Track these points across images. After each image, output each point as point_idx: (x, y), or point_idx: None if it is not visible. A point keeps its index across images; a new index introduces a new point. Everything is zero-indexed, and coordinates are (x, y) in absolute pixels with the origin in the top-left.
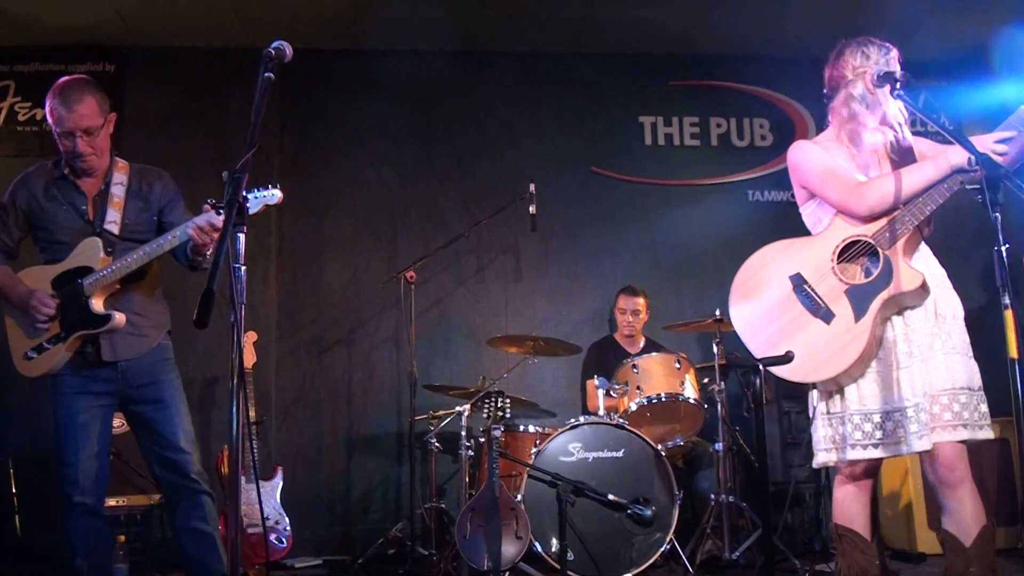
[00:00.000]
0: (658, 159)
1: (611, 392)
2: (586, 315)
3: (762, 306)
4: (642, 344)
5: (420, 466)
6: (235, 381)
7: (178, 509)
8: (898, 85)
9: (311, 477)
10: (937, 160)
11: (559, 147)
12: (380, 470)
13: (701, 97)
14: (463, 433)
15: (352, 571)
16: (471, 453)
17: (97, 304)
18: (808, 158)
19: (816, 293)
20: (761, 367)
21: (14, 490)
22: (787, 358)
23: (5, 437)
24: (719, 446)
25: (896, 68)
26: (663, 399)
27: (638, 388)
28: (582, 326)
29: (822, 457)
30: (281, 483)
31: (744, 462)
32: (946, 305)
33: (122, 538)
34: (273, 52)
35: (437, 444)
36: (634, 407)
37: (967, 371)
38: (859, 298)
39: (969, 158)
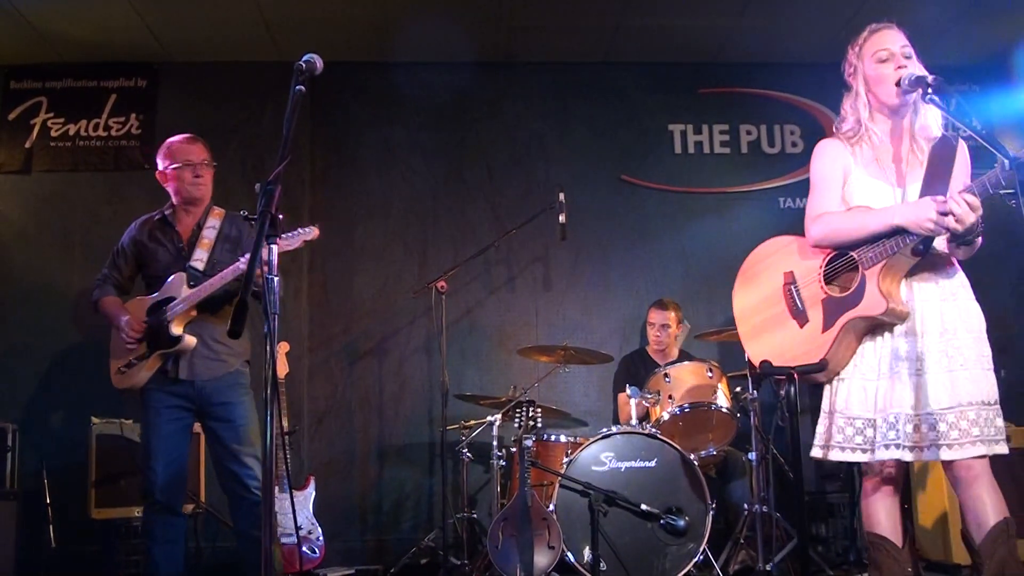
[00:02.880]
0: (688, 167)
1: (643, 401)
2: (617, 324)
3: (756, 296)
4: (675, 356)
5: (452, 476)
6: (268, 392)
7: (238, 517)
8: (929, 90)
9: (343, 487)
10: (882, 213)
11: (589, 156)
12: (412, 480)
13: (731, 104)
14: (494, 443)
15: None
16: (503, 463)
17: (175, 328)
18: (816, 162)
19: (799, 295)
20: (796, 376)
21: (48, 500)
22: (820, 366)
23: (39, 447)
24: (752, 455)
25: (888, 46)
26: (695, 408)
27: (670, 397)
28: (613, 335)
29: (814, 452)
30: (313, 493)
31: (777, 472)
32: (956, 319)
33: None
34: (304, 65)
35: (468, 454)
36: (666, 416)
37: (977, 385)
38: (831, 310)
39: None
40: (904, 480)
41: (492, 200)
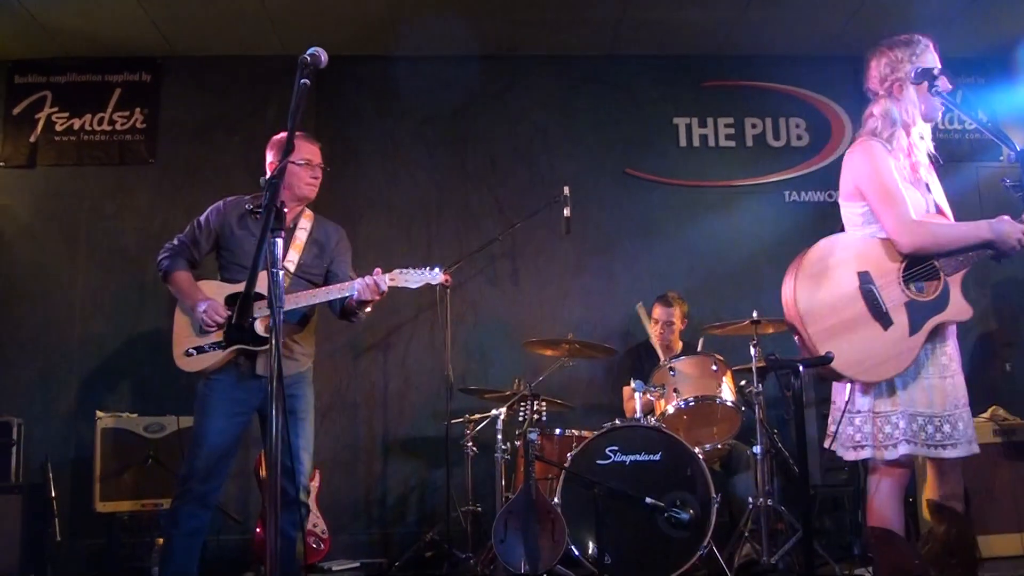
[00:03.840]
0: (693, 160)
1: (648, 395)
2: (622, 317)
3: (828, 295)
4: (679, 350)
5: (456, 469)
6: (273, 386)
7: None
8: (936, 82)
9: (348, 481)
10: (975, 228)
11: (593, 150)
12: (416, 474)
13: (736, 98)
14: (499, 436)
15: (389, 574)
16: (507, 456)
17: (260, 327)
18: (876, 166)
19: (881, 297)
20: (802, 368)
21: (53, 494)
22: (827, 359)
23: (44, 441)
24: (757, 449)
25: (931, 63)
26: (700, 402)
27: (675, 391)
28: (617, 328)
29: (864, 452)
30: (318, 486)
31: (782, 465)
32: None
33: (160, 541)
34: (309, 59)
35: (473, 447)
36: (671, 410)
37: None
38: (916, 313)
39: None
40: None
41: (496, 194)
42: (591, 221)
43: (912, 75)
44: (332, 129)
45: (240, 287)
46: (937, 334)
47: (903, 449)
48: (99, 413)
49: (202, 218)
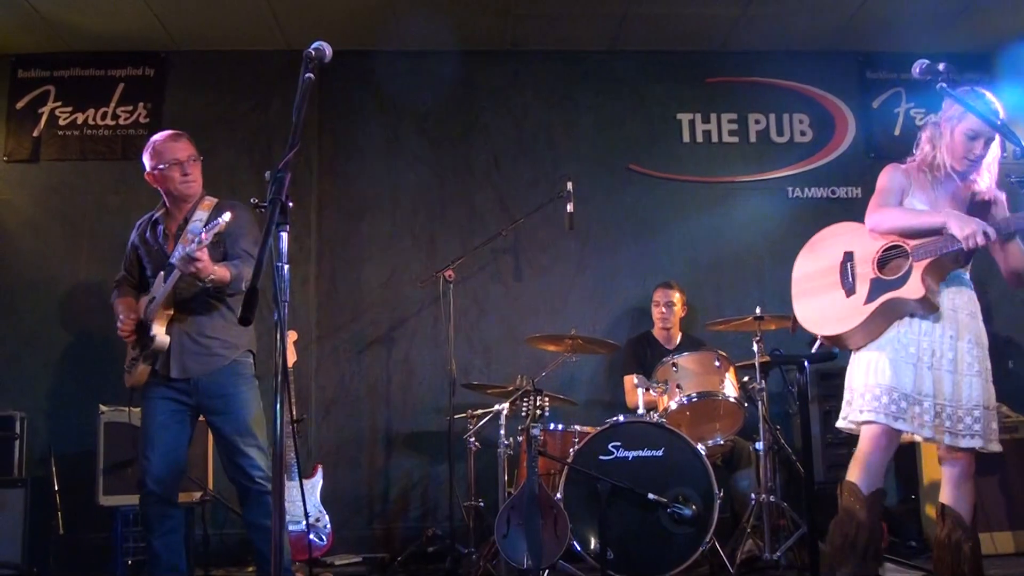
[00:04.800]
0: (696, 156)
1: (651, 390)
2: (624, 313)
3: (815, 264)
4: (679, 340)
5: (459, 464)
6: (279, 380)
7: (246, 507)
8: (940, 79)
9: (351, 475)
10: (936, 214)
11: (596, 145)
12: (419, 468)
13: (739, 94)
14: (502, 432)
15: (392, 569)
16: (510, 452)
17: (156, 328)
18: (882, 177)
19: (853, 272)
20: (807, 364)
21: (56, 487)
22: (831, 355)
23: (48, 434)
24: (760, 445)
25: (979, 128)
26: (703, 398)
27: (678, 386)
28: (620, 324)
29: (845, 422)
30: (321, 481)
31: (785, 461)
32: (980, 335)
33: None
34: (313, 53)
35: (476, 443)
36: (674, 406)
37: (988, 393)
38: (876, 289)
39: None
40: (912, 474)
41: (499, 189)
42: (594, 217)
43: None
44: (335, 125)
45: (149, 295)
46: (916, 323)
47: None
48: (102, 407)
49: (128, 245)
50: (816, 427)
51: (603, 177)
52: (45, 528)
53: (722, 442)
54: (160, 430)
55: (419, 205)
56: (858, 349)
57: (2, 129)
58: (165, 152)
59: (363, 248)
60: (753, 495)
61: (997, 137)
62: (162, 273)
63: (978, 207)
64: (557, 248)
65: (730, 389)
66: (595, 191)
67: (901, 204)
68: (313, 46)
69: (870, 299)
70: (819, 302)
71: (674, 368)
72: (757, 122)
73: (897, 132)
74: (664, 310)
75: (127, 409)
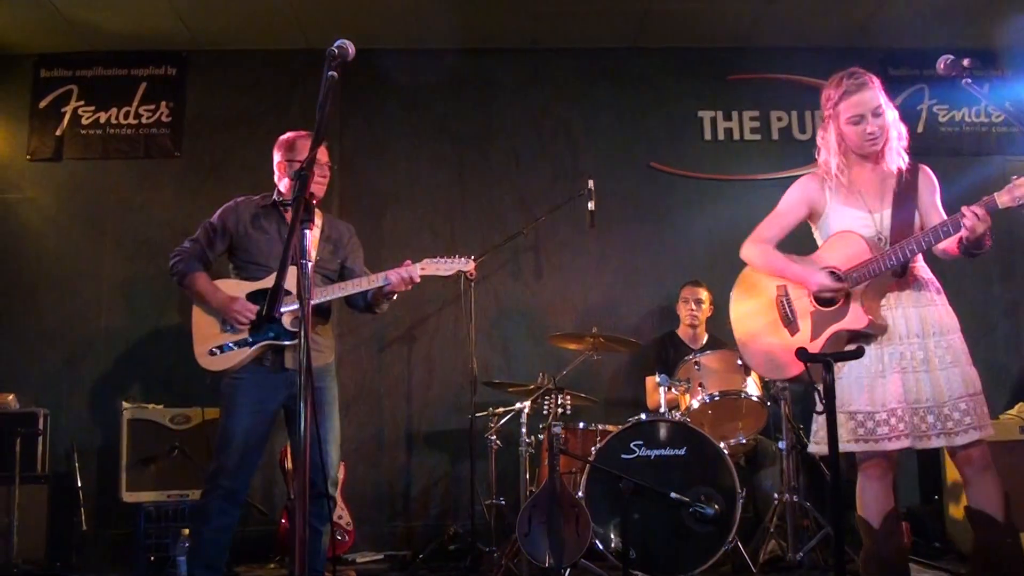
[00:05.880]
0: (718, 154)
1: (673, 389)
2: (645, 312)
3: (751, 303)
4: (705, 340)
5: (480, 463)
6: (302, 378)
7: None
8: (965, 75)
9: (372, 473)
10: (795, 269)
11: (617, 143)
12: (440, 466)
13: (761, 90)
14: (523, 430)
15: (413, 566)
16: (531, 450)
17: (287, 321)
18: (786, 194)
19: (791, 307)
20: (833, 362)
21: (79, 483)
22: (859, 353)
23: (70, 431)
24: (783, 444)
25: (861, 111)
26: (725, 396)
27: (700, 385)
28: (641, 322)
29: (812, 448)
30: (343, 478)
31: (807, 461)
32: (936, 323)
33: (186, 531)
34: (336, 51)
35: (497, 441)
36: (696, 404)
37: (964, 379)
38: (819, 323)
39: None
40: (936, 474)
41: (519, 187)
42: (615, 215)
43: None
44: (356, 123)
45: (258, 284)
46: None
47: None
48: (124, 404)
49: (215, 220)
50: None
51: (624, 175)
52: (68, 524)
53: (745, 441)
54: (247, 431)
55: (439, 203)
56: None
57: (25, 128)
58: (304, 149)
59: (383, 245)
60: (776, 495)
61: (886, 109)
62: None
63: (905, 194)
64: (578, 246)
65: (753, 388)
66: (616, 189)
67: (812, 218)
68: (336, 44)
69: (815, 335)
70: (766, 344)
71: (696, 366)
72: (779, 119)
73: (920, 129)
74: (693, 307)
75: (149, 406)
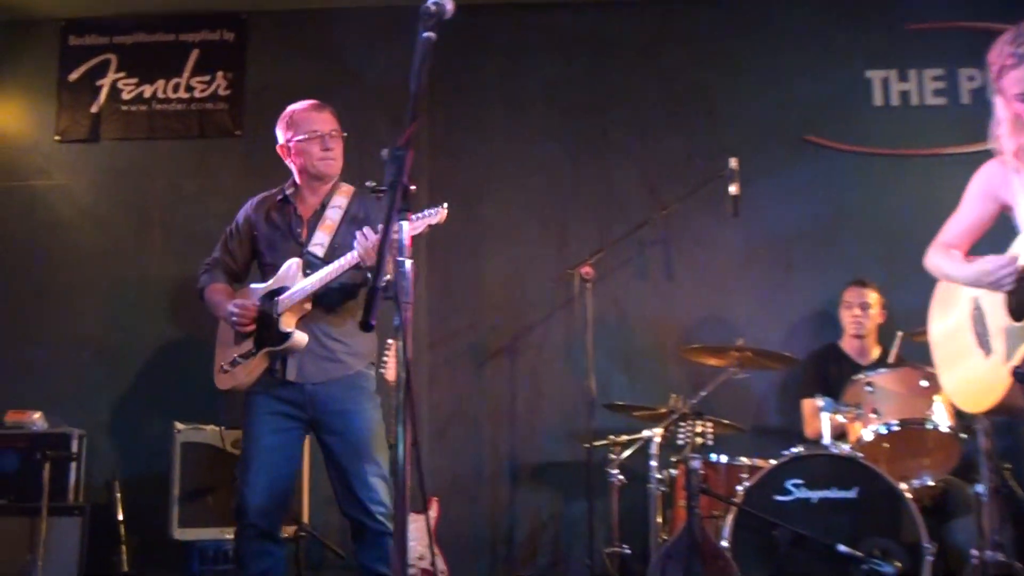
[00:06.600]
0: (891, 123)
1: (839, 415)
2: (802, 318)
3: (947, 321)
4: (876, 354)
5: (599, 502)
6: (402, 396)
7: (360, 547)
8: None
9: (469, 511)
10: (968, 271)
11: (765, 112)
12: (550, 505)
13: (947, 43)
14: (653, 463)
15: None
16: (663, 488)
17: (286, 323)
18: (969, 184)
19: (986, 322)
20: None
21: (120, 517)
22: None
23: (112, 456)
24: (981, 488)
25: None
26: (907, 426)
27: (874, 411)
28: (797, 332)
29: None
30: (436, 517)
31: (1015, 508)
32: None
33: None
34: (433, 8)
35: (620, 476)
36: (869, 435)
37: None
38: (1012, 339)
39: None
40: None
41: (646, 168)
42: (763, 201)
43: None
44: (449, 94)
45: (268, 285)
46: None
47: None
48: (178, 425)
49: (231, 225)
50: None
51: (774, 151)
52: (106, 564)
53: (931, 483)
54: (265, 453)
55: (549, 187)
56: None
57: (53, 104)
58: (303, 123)
59: (482, 239)
60: (974, 551)
61: None
62: (298, 261)
63: None
64: (717, 239)
65: (941, 416)
66: (764, 169)
67: (1000, 212)
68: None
69: (1009, 353)
70: (962, 372)
71: (868, 388)
72: (971, 79)
73: None
74: (859, 311)
75: (208, 428)
